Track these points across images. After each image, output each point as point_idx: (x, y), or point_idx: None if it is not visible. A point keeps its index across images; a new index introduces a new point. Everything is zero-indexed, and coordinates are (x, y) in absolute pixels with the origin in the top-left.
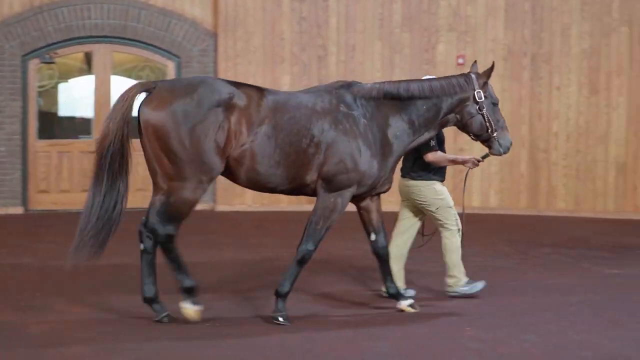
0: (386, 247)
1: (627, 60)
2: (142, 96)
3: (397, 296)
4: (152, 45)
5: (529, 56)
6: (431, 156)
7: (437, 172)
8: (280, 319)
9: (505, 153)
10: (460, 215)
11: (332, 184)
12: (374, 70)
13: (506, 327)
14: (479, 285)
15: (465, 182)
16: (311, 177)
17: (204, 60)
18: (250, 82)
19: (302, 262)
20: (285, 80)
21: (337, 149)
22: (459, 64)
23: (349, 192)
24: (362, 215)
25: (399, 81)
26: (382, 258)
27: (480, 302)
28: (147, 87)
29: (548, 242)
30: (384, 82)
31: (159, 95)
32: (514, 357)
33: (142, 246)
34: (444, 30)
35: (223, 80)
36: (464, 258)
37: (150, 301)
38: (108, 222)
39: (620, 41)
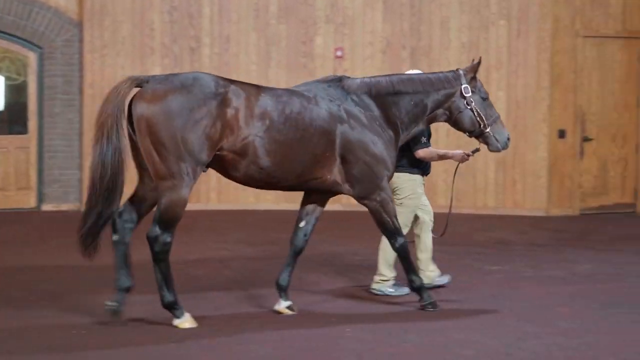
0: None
1: (505, 54)
2: (134, 91)
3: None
4: (12, 35)
5: (408, 49)
6: (422, 152)
7: (421, 165)
8: (431, 306)
9: (504, 148)
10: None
11: (362, 183)
12: (249, 63)
13: (387, 327)
14: (405, 290)
15: (454, 178)
16: (323, 172)
17: (68, 51)
18: (119, 74)
19: (405, 254)
20: (155, 73)
21: (352, 145)
22: (337, 57)
23: (384, 182)
24: (306, 202)
25: (388, 75)
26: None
27: (363, 303)
28: (139, 81)
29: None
30: (374, 77)
31: (153, 89)
32: (393, 357)
33: (115, 237)
34: (322, 22)
35: (217, 76)
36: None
37: (126, 291)
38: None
39: (499, 35)
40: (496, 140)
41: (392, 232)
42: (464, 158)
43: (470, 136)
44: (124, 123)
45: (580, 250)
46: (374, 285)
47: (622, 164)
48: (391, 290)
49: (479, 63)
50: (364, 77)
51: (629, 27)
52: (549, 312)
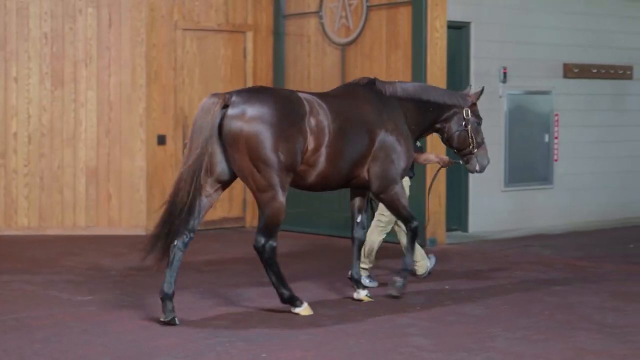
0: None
1: (95, 48)
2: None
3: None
4: None
5: None
6: (422, 157)
7: (411, 169)
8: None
9: (481, 172)
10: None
11: (383, 179)
12: None
13: None
14: (375, 284)
15: (434, 179)
16: (360, 171)
17: None
18: None
19: (415, 236)
20: None
21: (385, 145)
22: None
23: (399, 177)
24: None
25: (412, 83)
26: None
27: None
28: (225, 100)
29: (7, 268)
30: (401, 82)
31: (249, 108)
32: None
33: (177, 242)
34: None
35: (294, 91)
36: None
37: (167, 298)
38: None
39: (87, 24)
40: (477, 162)
41: (407, 218)
42: (449, 163)
43: (456, 152)
44: (217, 147)
45: (185, 273)
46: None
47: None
48: (366, 280)
49: (481, 92)
50: (392, 81)
51: (232, 19)
52: (151, 346)
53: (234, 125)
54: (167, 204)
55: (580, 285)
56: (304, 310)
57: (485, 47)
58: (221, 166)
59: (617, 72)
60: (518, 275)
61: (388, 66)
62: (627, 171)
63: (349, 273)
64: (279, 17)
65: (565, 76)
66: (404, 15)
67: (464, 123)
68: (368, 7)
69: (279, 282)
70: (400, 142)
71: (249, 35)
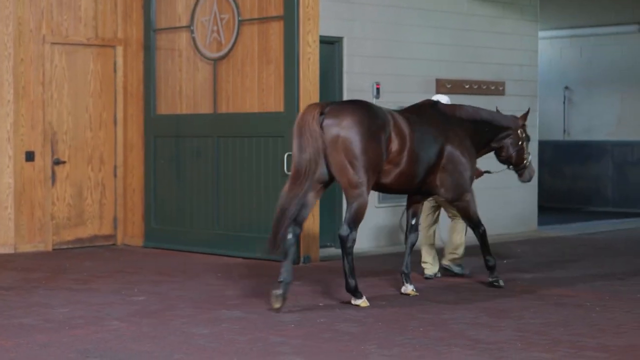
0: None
1: None
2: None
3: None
4: None
5: None
6: None
7: None
8: (500, 282)
9: (530, 181)
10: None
11: (456, 188)
12: None
13: None
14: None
15: None
16: (432, 178)
17: None
18: None
19: (485, 238)
20: None
21: (453, 157)
22: None
23: (470, 187)
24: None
25: (471, 106)
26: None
27: None
28: (322, 109)
29: None
30: (460, 104)
31: (345, 114)
32: None
33: (290, 236)
34: None
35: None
36: None
37: (286, 284)
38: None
39: None
40: (528, 174)
41: (476, 224)
42: (482, 173)
43: (510, 167)
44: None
45: (55, 292)
46: (445, 262)
47: (99, 189)
48: (457, 269)
49: (528, 112)
50: (454, 104)
51: (102, 34)
52: None
53: (332, 129)
54: (285, 200)
55: (454, 302)
56: (362, 302)
57: (358, 62)
58: (322, 169)
59: (489, 88)
60: (392, 291)
61: (260, 81)
62: (499, 187)
63: (402, 268)
64: (150, 31)
65: (438, 91)
66: (276, 29)
67: (519, 142)
68: (240, 21)
69: (350, 271)
70: (465, 155)
71: (119, 49)
